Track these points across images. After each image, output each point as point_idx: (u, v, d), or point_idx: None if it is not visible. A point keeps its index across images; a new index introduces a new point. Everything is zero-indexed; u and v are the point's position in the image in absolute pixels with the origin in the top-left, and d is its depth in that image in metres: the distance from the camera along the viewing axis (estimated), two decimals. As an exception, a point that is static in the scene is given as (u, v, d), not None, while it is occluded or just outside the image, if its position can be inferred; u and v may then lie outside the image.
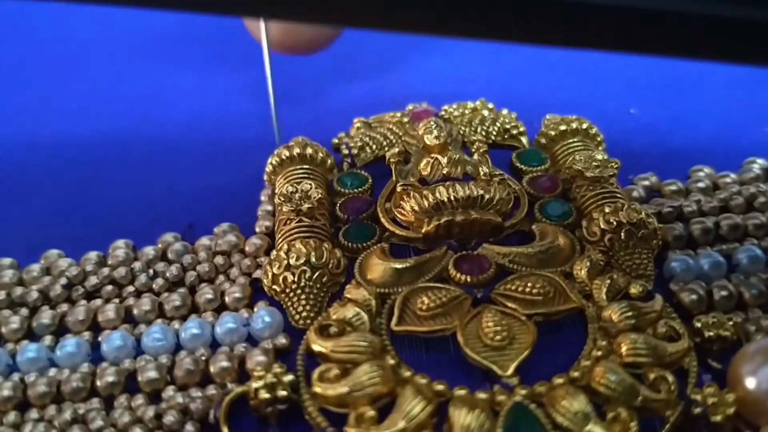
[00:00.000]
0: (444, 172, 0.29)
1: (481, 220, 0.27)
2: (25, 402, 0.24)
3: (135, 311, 0.26)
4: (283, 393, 0.23)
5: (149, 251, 0.28)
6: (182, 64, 0.40)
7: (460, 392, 0.22)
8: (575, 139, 0.31)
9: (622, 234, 0.27)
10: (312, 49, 0.31)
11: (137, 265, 0.28)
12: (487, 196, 0.27)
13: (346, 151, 0.32)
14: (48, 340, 0.26)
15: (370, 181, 0.30)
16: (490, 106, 0.34)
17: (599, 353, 0.23)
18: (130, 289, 0.27)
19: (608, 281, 0.25)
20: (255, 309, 0.26)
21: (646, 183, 0.31)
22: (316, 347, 0.24)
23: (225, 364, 0.24)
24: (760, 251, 0.27)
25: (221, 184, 0.32)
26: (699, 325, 0.24)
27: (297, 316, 0.26)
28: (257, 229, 0.29)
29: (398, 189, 0.28)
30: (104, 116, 0.37)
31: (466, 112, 0.33)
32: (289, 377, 0.23)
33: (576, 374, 0.23)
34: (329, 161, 0.30)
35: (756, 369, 0.22)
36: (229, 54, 0.40)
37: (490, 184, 0.28)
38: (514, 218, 0.28)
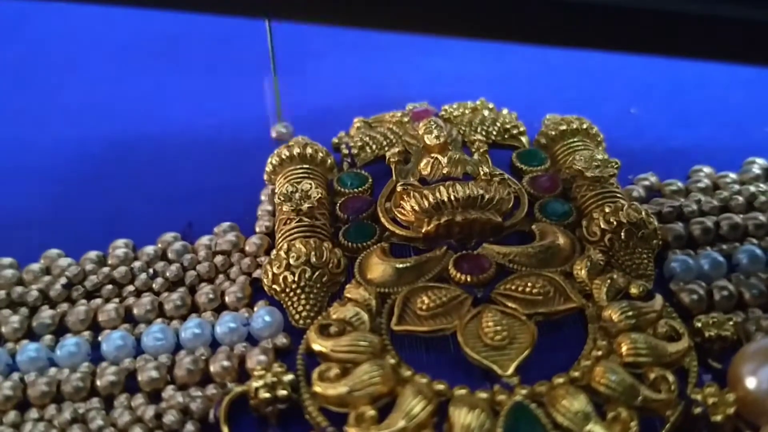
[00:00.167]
0: (444, 171, 0.29)
1: (481, 220, 0.27)
2: (25, 401, 0.24)
3: (135, 311, 0.26)
4: (283, 392, 0.23)
5: (149, 251, 0.28)
6: (183, 65, 0.40)
7: (461, 392, 0.22)
8: (575, 139, 0.31)
9: (623, 234, 0.27)
10: None
11: (137, 264, 0.28)
12: (487, 196, 0.27)
13: (346, 151, 0.32)
14: (48, 339, 0.26)
15: (370, 180, 0.30)
16: (491, 105, 0.34)
17: (599, 353, 0.23)
18: (130, 288, 0.27)
19: (608, 281, 0.25)
20: (255, 308, 0.26)
21: (647, 183, 0.31)
22: (316, 347, 0.24)
23: (225, 363, 0.24)
24: (760, 251, 0.27)
25: (221, 183, 0.32)
26: (699, 324, 0.24)
27: (297, 316, 0.26)
28: (257, 229, 0.29)
29: (398, 189, 0.28)
30: (104, 116, 0.37)
31: (467, 111, 0.33)
32: (289, 377, 0.23)
33: (576, 374, 0.23)
34: (329, 161, 0.30)
35: (756, 369, 0.22)
36: (229, 55, 0.40)
37: (491, 183, 0.28)
38: (514, 218, 0.28)
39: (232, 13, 0.23)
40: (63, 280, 0.27)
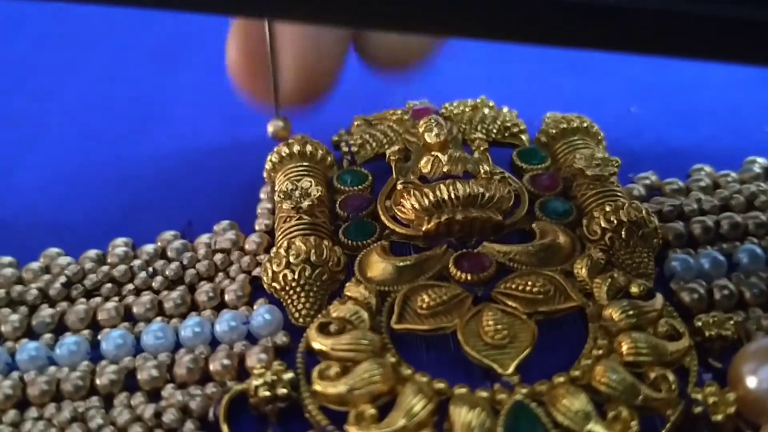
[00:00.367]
0: (444, 169, 0.29)
1: (481, 218, 0.27)
2: (24, 400, 0.24)
3: (134, 309, 0.26)
4: (283, 391, 0.23)
5: (149, 249, 0.28)
6: (183, 63, 0.40)
7: (461, 390, 0.22)
8: (576, 138, 0.31)
9: (623, 233, 0.27)
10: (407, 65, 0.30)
11: (137, 263, 0.28)
12: (487, 194, 0.27)
13: (346, 149, 0.32)
14: (47, 338, 0.26)
15: (370, 178, 0.30)
16: (491, 104, 0.34)
17: (600, 352, 0.23)
18: (130, 287, 0.27)
19: (609, 280, 0.25)
20: (255, 307, 0.26)
21: (647, 182, 0.31)
22: (316, 345, 0.24)
23: (225, 362, 0.24)
24: (761, 250, 0.27)
25: (221, 181, 0.32)
26: (699, 324, 0.24)
27: (297, 314, 0.26)
28: (257, 227, 0.29)
29: (398, 187, 0.28)
30: (103, 114, 0.37)
31: (467, 109, 0.33)
32: (288, 375, 0.23)
33: (576, 373, 0.23)
34: (329, 158, 0.30)
35: (757, 368, 0.22)
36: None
37: (491, 182, 0.28)
38: (515, 216, 0.28)
39: (233, 12, 0.22)
40: (62, 279, 0.27)
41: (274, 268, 0.26)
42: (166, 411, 0.23)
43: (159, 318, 0.26)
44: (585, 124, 0.31)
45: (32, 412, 0.24)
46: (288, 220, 0.28)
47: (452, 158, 0.29)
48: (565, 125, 0.31)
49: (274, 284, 0.26)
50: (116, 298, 0.27)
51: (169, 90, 0.38)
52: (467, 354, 0.24)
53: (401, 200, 0.28)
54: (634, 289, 0.25)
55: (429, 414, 0.22)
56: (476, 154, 0.30)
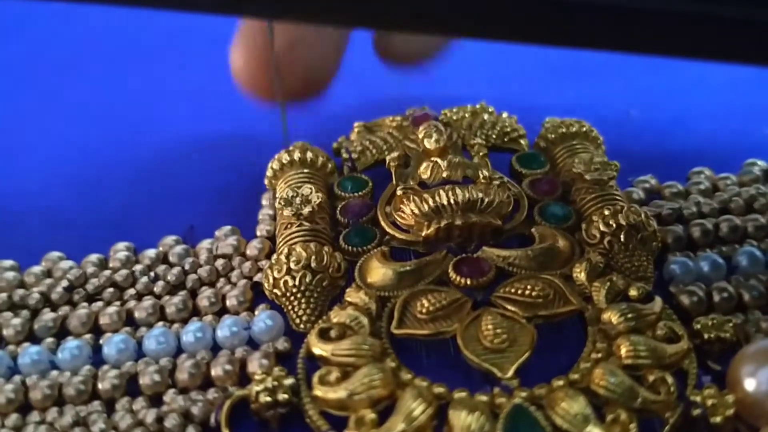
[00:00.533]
0: (444, 175, 0.29)
1: (480, 223, 0.27)
2: (26, 404, 0.24)
3: (136, 314, 0.26)
4: (283, 396, 0.23)
5: (150, 254, 0.29)
6: (185, 67, 0.40)
7: (460, 394, 0.22)
8: (575, 142, 0.31)
9: (622, 236, 0.27)
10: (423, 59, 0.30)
11: (138, 267, 0.28)
12: (486, 199, 0.27)
13: (346, 155, 0.32)
14: (49, 342, 0.26)
15: (371, 184, 0.30)
16: (490, 109, 0.34)
17: (599, 355, 0.23)
18: (132, 291, 0.27)
19: (608, 283, 0.25)
20: (256, 312, 0.26)
21: (646, 185, 0.31)
22: (316, 350, 0.24)
23: (226, 367, 0.24)
24: (760, 253, 0.27)
25: (222, 187, 0.32)
26: (698, 326, 0.24)
27: (297, 320, 0.26)
28: (258, 233, 0.29)
29: (398, 192, 0.28)
30: (105, 118, 0.37)
31: (466, 115, 0.33)
32: (289, 381, 0.23)
33: (575, 376, 0.23)
34: (330, 165, 0.31)
35: (755, 370, 0.22)
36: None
37: (490, 187, 0.28)
38: (514, 221, 0.28)
39: (233, 13, 0.23)
40: (64, 283, 0.27)
41: (275, 274, 0.26)
42: (167, 416, 0.23)
43: (161, 323, 0.26)
44: (584, 129, 0.31)
45: (34, 416, 0.24)
46: (289, 226, 0.28)
47: (452, 164, 0.29)
48: (564, 130, 0.31)
49: (275, 290, 0.26)
50: (118, 303, 0.27)
51: (171, 93, 0.38)
52: (467, 358, 0.24)
53: (401, 206, 0.28)
54: (633, 293, 0.25)
55: (428, 418, 0.22)
56: (476, 160, 0.30)
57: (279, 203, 0.28)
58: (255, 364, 0.24)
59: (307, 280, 0.26)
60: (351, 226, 0.29)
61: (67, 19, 0.44)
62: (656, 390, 0.22)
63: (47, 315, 0.26)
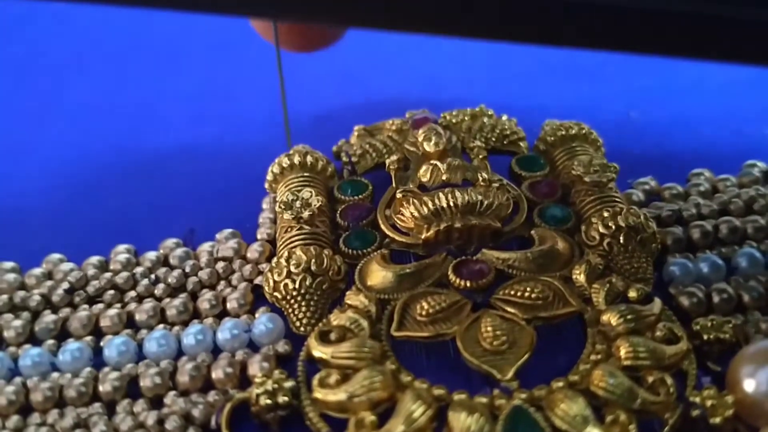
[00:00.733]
0: (443, 178, 0.29)
1: (480, 226, 0.27)
2: (27, 406, 0.24)
3: (137, 316, 0.27)
4: (283, 399, 0.23)
5: (151, 256, 0.29)
6: (186, 68, 0.40)
7: (460, 396, 0.22)
8: (574, 144, 0.31)
9: (621, 238, 0.27)
10: (319, 45, 0.30)
11: (139, 270, 0.28)
12: (486, 202, 0.27)
13: (346, 159, 0.32)
14: (50, 344, 0.26)
15: (371, 188, 0.30)
16: (490, 112, 0.34)
17: (598, 356, 0.23)
18: (132, 294, 0.27)
19: (607, 285, 0.25)
20: (256, 315, 0.26)
21: (646, 187, 0.31)
22: (316, 353, 0.24)
23: (227, 369, 0.24)
24: (759, 254, 0.27)
25: (223, 190, 0.32)
26: (698, 327, 0.24)
27: (298, 323, 0.26)
28: (259, 236, 0.29)
29: (398, 195, 0.28)
30: (106, 120, 0.37)
31: (466, 118, 0.33)
32: (289, 383, 0.23)
33: (575, 377, 0.23)
34: (330, 169, 0.31)
35: (755, 371, 0.22)
36: (233, 60, 0.40)
37: (489, 189, 0.28)
38: (514, 223, 0.28)
39: (233, 13, 0.23)
40: (65, 285, 0.27)
41: (276, 277, 0.26)
42: (168, 418, 0.23)
43: (161, 325, 0.26)
44: (583, 131, 0.31)
45: (35, 417, 0.24)
46: (289, 230, 0.28)
47: (451, 167, 0.29)
48: (563, 132, 0.31)
49: (275, 293, 0.26)
50: (119, 305, 0.27)
51: (173, 96, 0.38)
52: (466, 360, 0.24)
53: (401, 209, 0.28)
54: (632, 294, 0.25)
55: (428, 420, 0.22)
56: (475, 162, 0.30)
57: (279, 207, 0.28)
58: (255, 367, 0.24)
59: (308, 283, 0.26)
60: (351, 229, 0.29)
61: (67, 19, 0.44)
62: (656, 391, 0.22)
63: (48, 317, 0.27)
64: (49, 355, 0.25)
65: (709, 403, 0.22)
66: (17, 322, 0.26)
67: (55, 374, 0.25)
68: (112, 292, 0.27)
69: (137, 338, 0.26)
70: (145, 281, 0.28)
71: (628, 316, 0.24)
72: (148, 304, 0.27)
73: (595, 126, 0.32)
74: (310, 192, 0.28)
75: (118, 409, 0.24)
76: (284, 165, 0.30)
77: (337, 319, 0.25)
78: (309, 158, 0.30)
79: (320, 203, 0.28)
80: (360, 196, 0.30)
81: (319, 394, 0.23)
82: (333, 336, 0.24)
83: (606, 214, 0.27)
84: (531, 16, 0.20)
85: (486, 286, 0.26)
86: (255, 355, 0.25)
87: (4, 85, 0.40)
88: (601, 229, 0.27)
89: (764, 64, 0.20)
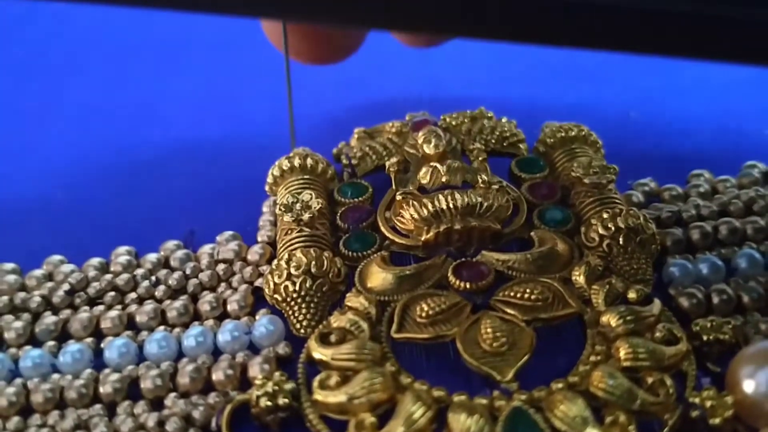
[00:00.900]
0: (443, 180, 0.29)
1: (480, 228, 0.27)
2: (27, 407, 0.24)
3: (137, 318, 0.27)
4: (284, 401, 0.23)
5: (152, 258, 0.29)
6: (187, 69, 0.40)
7: (460, 398, 0.22)
8: (574, 146, 0.31)
9: (621, 239, 0.27)
10: (333, 59, 0.31)
11: (140, 272, 0.28)
12: (485, 204, 0.27)
13: (346, 161, 0.32)
14: (50, 345, 0.26)
15: (371, 190, 0.30)
16: (490, 114, 0.34)
17: (598, 358, 0.23)
18: (133, 296, 0.28)
19: (607, 286, 0.25)
20: (257, 317, 0.26)
21: (646, 188, 0.31)
22: (316, 355, 0.24)
23: (227, 371, 0.24)
24: (759, 255, 0.27)
25: (224, 192, 0.32)
26: (697, 328, 0.24)
27: (298, 325, 0.26)
28: (259, 238, 0.29)
29: (398, 198, 0.28)
30: (107, 121, 0.37)
31: (466, 120, 0.33)
32: (290, 385, 0.23)
33: (574, 379, 0.23)
34: (330, 171, 0.31)
35: (754, 372, 0.22)
36: (235, 60, 0.40)
37: (489, 191, 0.28)
38: (513, 225, 0.28)
39: (234, 12, 0.23)
40: (66, 287, 0.27)
41: (276, 279, 0.26)
42: (169, 420, 0.23)
43: (162, 327, 0.26)
44: (583, 133, 0.31)
45: (35, 419, 0.24)
46: (289, 232, 0.28)
47: (451, 169, 0.29)
48: (563, 134, 0.31)
49: (275, 296, 0.26)
50: (119, 307, 0.27)
51: (173, 97, 0.38)
52: (466, 362, 0.24)
53: (400, 211, 0.28)
54: (631, 295, 0.25)
55: (428, 421, 0.22)
56: (475, 164, 0.30)
57: (279, 209, 0.28)
58: (256, 369, 0.25)
59: (308, 285, 0.26)
60: (351, 231, 0.29)
61: (67, 19, 0.44)
62: (655, 392, 0.22)
63: (48, 318, 0.27)
64: (50, 357, 0.25)
65: (708, 404, 0.22)
66: (18, 324, 0.26)
67: (56, 375, 0.25)
68: (112, 293, 0.28)
69: (138, 340, 0.26)
70: (146, 283, 0.28)
71: (628, 317, 0.24)
72: (149, 305, 0.27)
73: (594, 127, 0.32)
74: (310, 194, 0.28)
75: (118, 410, 0.24)
76: (284, 167, 0.30)
77: (337, 321, 0.25)
78: (309, 161, 0.30)
79: (320, 205, 0.28)
80: (360, 199, 0.30)
81: (319, 395, 0.23)
82: (333, 338, 0.24)
83: (605, 216, 0.27)
84: (531, 16, 0.20)
85: (486, 287, 0.26)
86: (255, 357, 0.25)
87: (5, 85, 0.40)
88: (601, 231, 0.27)
89: (764, 64, 0.20)
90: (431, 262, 0.27)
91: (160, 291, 0.28)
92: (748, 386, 0.22)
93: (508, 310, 0.25)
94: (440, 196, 0.27)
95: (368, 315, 0.25)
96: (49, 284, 0.28)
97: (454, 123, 0.33)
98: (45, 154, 0.35)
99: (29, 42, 0.43)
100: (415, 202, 0.28)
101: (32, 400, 0.24)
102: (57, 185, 0.33)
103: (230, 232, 0.30)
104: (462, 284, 0.26)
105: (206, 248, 0.29)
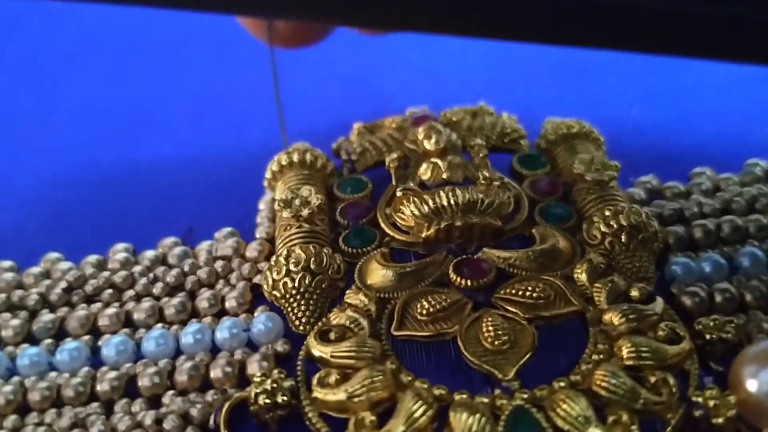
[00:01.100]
0: (444, 176, 0.29)
1: (481, 224, 0.27)
2: (25, 405, 0.24)
3: (135, 315, 0.26)
4: (283, 398, 0.23)
5: (150, 255, 0.29)
6: (185, 67, 0.40)
7: (461, 396, 0.22)
8: (575, 143, 0.31)
9: (623, 237, 0.26)
10: (309, 41, 0.30)
11: (137, 269, 0.28)
12: (487, 200, 0.27)
13: (346, 157, 0.32)
14: (48, 343, 0.26)
15: (370, 186, 0.30)
16: (491, 110, 0.34)
17: (600, 356, 0.23)
18: (130, 293, 0.27)
19: (609, 284, 0.25)
20: (255, 314, 0.26)
21: (648, 185, 0.31)
22: (316, 352, 0.24)
23: (225, 369, 0.24)
24: (762, 253, 0.27)
25: (222, 188, 0.32)
26: (700, 327, 0.24)
27: (297, 322, 0.26)
28: (257, 235, 0.29)
29: (398, 194, 0.28)
30: (105, 119, 0.37)
31: (466, 116, 0.33)
32: (288, 383, 0.23)
33: (577, 377, 0.23)
34: (329, 167, 0.30)
35: (757, 371, 0.22)
36: (232, 59, 0.40)
37: (490, 188, 0.28)
38: (515, 222, 0.28)
39: (234, 12, 0.23)
40: (63, 284, 0.27)
41: (275, 276, 0.26)
42: (166, 418, 0.23)
43: (159, 324, 0.26)
44: (584, 129, 0.31)
45: (33, 417, 0.24)
46: (288, 228, 0.28)
47: (452, 165, 0.29)
48: (564, 130, 0.31)
49: (274, 292, 0.26)
50: (117, 304, 0.27)
51: (171, 95, 0.38)
52: (467, 360, 0.24)
53: (401, 207, 0.28)
54: (634, 293, 0.25)
55: (429, 420, 0.22)
56: (476, 161, 0.30)
57: (278, 205, 0.28)
58: (254, 366, 0.24)
59: (307, 281, 0.26)
60: (351, 227, 0.28)
61: (67, 19, 0.44)
62: (658, 391, 0.22)
63: (46, 316, 0.26)
64: (47, 355, 0.25)
65: (711, 403, 0.22)
66: (15, 322, 0.26)
67: (53, 374, 0.25)
68: (110, 291, 0.27)
69: (135, 337, 0.26)
70: (144, 280, 0.28)
71: (630, 316, 0.24)
72: (147, 303, 0.27)
73: (596, 124, 0.32)
74: (310, 190, 0.28)
75: (116, 408, 0.24)
76: (283, 163, 0.30)
77: (336, 318, 0.25)
78: (308, 156, 0.30)
79: (320, 201, 0.28)
80: (360, 194, 0.30)
81: (318, 393, 0.22)
82: (332, 335, 0.24)
83: (608, 213, 0.27)
84: (531, 15, 0.19)
85: (487, 285, 0.26)
86: (254, 354, 0.25)
87: (3, 84, 0.39)
88: (603, 228, 0.27)
89: (765, 64, 0.20)
90: (432, 259, 0.27)
91: (157, 288, 0.27)
92: (751, 385, 0.22)
93: (510, 308, 0.25)
94: (441, 193, 0.27)
95: (368, 312, 0.25)
96: (47, 282, 0.28)
97: (454, 119, 0.33)
98: (42, 153, 0.35)
99: (29, 41, 0.43)
100: (415, 199, 0.27)
101: (29, 399, 0.24)
102: (54, 183, 0.33)
103: (228, 229, 0.29)
104: (463, 281, 0.26)
105: (204, 245, 0.29)
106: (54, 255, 0.29)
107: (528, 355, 0.23)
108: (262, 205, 0.31)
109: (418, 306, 0.25)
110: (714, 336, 0.24)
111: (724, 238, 0.28)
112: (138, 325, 0.26)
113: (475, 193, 0.27)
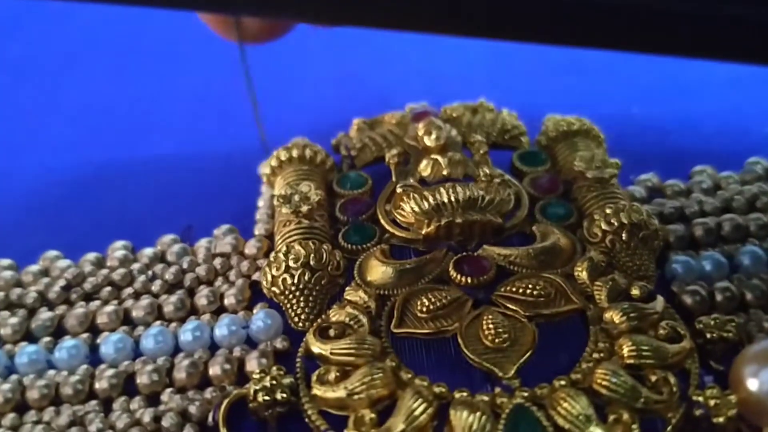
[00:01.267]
0: (444, 173, 0.29)
1: (481, 221, 0.27)
2: (23, 404, 0.24)
3: (134, 313, 0.26)
4: (282, 396, 0.23)
5: (148, 253, 0.28)
6: (183, 65, 0.40)
7: (461, 394, 0.22)
8: (576, 140, 0.31)
9: (624, 235, 0.26)
10: (274, 35, 0.30)
11: (136, 266, 0.28)
12: (487, 197, 0.27)
13: (345, 152, 0.32)
14: (46, 341, 0.26)
15: (370, 182, 0.30)
16: (491, 106, 0.33)
17: (600, 355, 0.23)
18: (129, 290, 0.27)
19: (609, 282, 0.25)
20: (254, 311, 0.26)
21: (648, 183, 0.31)
22: (315, 349, 0.23)
23: (224, 366, 0.24)
24: (762, 252, 0.27)
25: (220, 185, 0.32)
26: (701, 326, 0.24)
27: (296, 318, 0.26)
28: (256, 231, 0.29)
29: (398, 190, 0.28)
30: (103, 117, 0.37)
31: (467, 112, 0.33)
32: (288, 380, 0.23)
33: (577, 376, 0.23)
34: (329, 162, 0.30)
35: (758, 370, 0.22)
36: (228, 54, 0.40)
37: (491, 185, 0.28)
38: (515, 219, 0.28)
39: (234, 11, 0.22)
40: (62, 282, 0.27)
41: (274, 272, 0.26)
42: (165, 415, 0.23)
43: (158, 322, 0.26)
44: (585, 127, 0.31)
45: (31, 415, 0.24)
46: (287, 224, 0.28)
47: (452, 161, 0.29)
48: (565, 128, 0.31)
49: (273, 288, 0.26)
50: (115, 302, 0.27)
51: (170, 93, 0.38)
52: (467, 357, 0.24)
53: (401, 203, 0.28)
54: (634, 292, 0.25)
55: (429, 418, 0.21)
56: (476, 157, 0.30)
57: (277, 200, 0.28)
58: (253, 363, 0.24)
59: (306, 278, 0.26)
60: (350, 223, 0.28)
61: (67, 19, 0.44)
62: (658, 390, 0.22)
63: (44, 314, 0.26)
64: (46, 353, 0.25)
65: (712, 402, 0.22)
66: (14, 320, 0.26)
67: (52, 372, 0.25)
68: (108, 288, 0.27)
69: (134, 335, 0.26)
70: (143, 278, 0.27)
71: (631, 314, 0.24)
72: (145, 300, 0.27)
73: (597, 122, 0.32)
74: (309, 186, 0.28)
75: (114, 406, 0.24)
76: (282, 158, 0.30)
77: (336, 314, 0.25)
78: (308, 151, 0.30)
79: (319, 197, 0.28)
80: (359, 191, 0.29)
81: (317, 390, 0.22)
82: (332, 332, 0.24)
83: (608, 211, 0.27)
84: (531, 15, 0.19)
85: (487, 282, 0.26)
86: (253, 351, 0.25)
87: (3, 84, 0.39)
88: (604, 226, 0.27)
89: (766, 63, 0.20)
90: (432, 256, 0.27)
91: (156, 286, 0.27)
92: (752, 384, 0.22)
93: (510, 306, 0.25)
94: (441, 189, 0.27)
95: (368, 309, 0.25)
96: (45, 280, 0.28)
97: (454, 115, 0.33)
98: (41, 151, 0.35)
99: (29, 41, 0.43)
100: (415, 195, 0.27)
101: (28, 397, 0.24)
102: (53, 181, 0.33)
103: (227, 226, 0.29)
104: (463, 279, 0.26)
105: (203, 242, 0.29)
106: (53, 253, 0.29)
107: (528, 353, 0.23)
108: (261, 202, 0.30)
109: (418, 303, 0.25)
110: (714, 335, 0.24)
111: (724, 236, 0.28)
112: (137, 323, 0.26)
113: (475, 190, 0.27)
